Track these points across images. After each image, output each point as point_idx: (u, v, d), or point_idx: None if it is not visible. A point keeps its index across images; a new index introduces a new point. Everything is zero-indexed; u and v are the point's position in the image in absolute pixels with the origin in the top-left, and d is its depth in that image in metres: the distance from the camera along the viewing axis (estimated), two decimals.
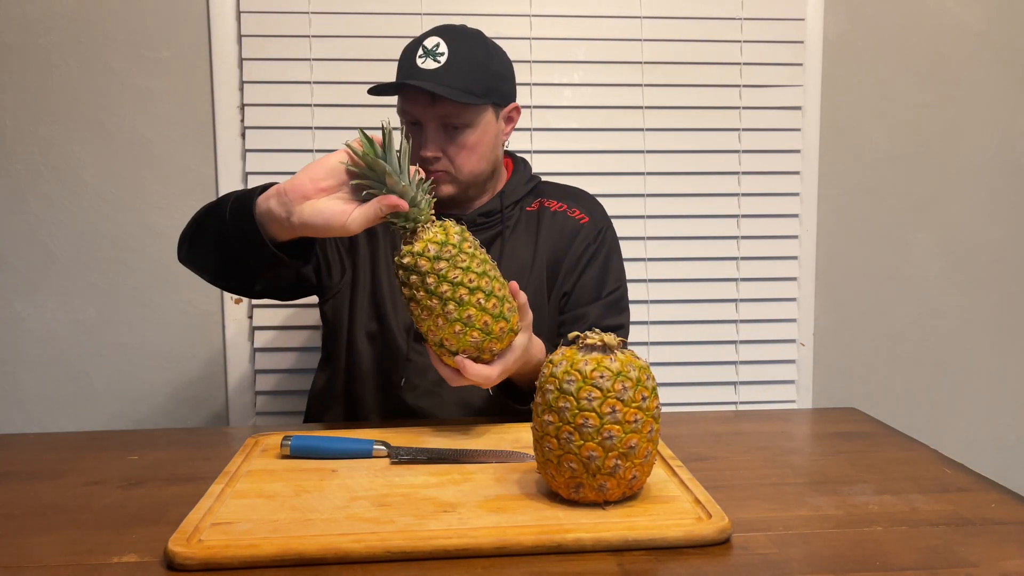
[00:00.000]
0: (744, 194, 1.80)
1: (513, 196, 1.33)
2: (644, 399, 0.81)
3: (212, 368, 1.76)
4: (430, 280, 0.97)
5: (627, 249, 1.78)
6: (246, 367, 1.76)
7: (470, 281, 0.98)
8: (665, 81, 1.76)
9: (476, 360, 1.01)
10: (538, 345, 1.12)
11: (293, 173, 1.77)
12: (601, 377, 0.80)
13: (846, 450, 1.05)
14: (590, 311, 1.29)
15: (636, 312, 1.79)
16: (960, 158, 1.87)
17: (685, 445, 1.05)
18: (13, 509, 0.87)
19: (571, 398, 0.80)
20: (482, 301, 0.98)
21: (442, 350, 1.01)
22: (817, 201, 1.84)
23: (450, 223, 1.00)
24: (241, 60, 1.69)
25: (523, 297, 1.05)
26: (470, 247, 1.00)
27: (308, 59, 1.69)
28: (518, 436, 1.06)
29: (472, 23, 1.70)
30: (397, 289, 1.27)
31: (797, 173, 1.82)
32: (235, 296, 1.73)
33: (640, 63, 1.75)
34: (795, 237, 1.83)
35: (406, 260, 0.98)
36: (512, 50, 1.71)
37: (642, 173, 1.78)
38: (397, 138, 0.98)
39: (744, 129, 1.79)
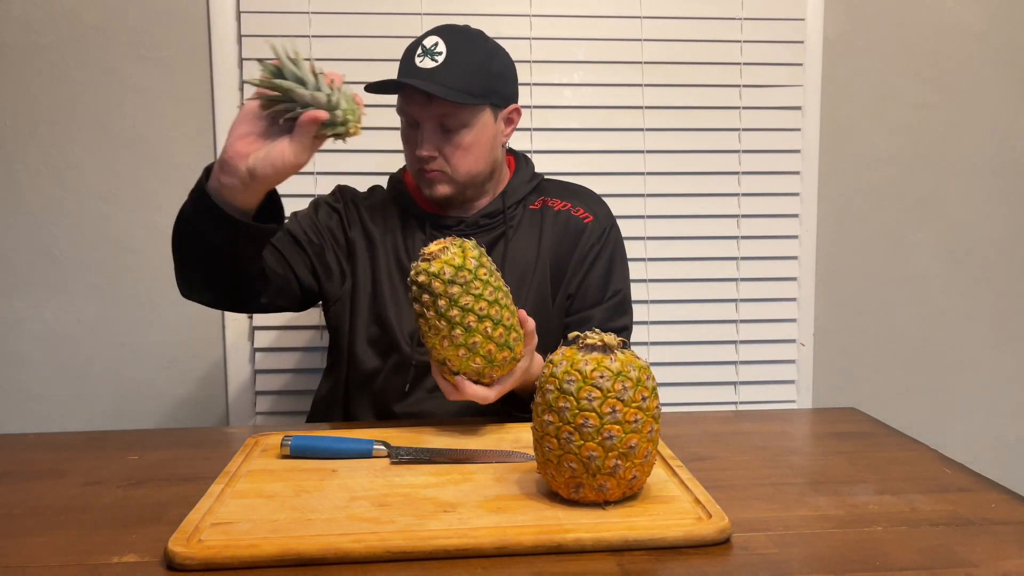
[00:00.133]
0: (744, 194, 1.80)
1: (516, 196, 1.32)
2: (644, 399, 0.81)
3: (212, 368, 1.76)
4: (441, 303, 0.98)
5: (627, 249, 1.78)
6: (246, 367, 1.76)
7: (480, 309, 0.99)
8: (665, 81, 1.76)
9: (475, 382, 1.03)
10: (538, 363, 1.12)
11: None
12: (601, 377, 0.80)
13: (846, 450, 1.05)
14: (595, 313, 1.29)
15: (636, 312, 1.78)
16: (960, 158, 1.87)
17: (685, 445, 1.05)
18: (13, 509, 0.87)
19: (571, 398, 0.80)
20: (489, 330, 1.00)
21: (443, 367, 1.03)
22: (817, 201, 1.84)
23: (469, 245, 1.01)
24: (241, 60, 1.69)
25: (531, 325, 1.06)
26: (486, 273, 1.01)
27: (308, 59, 1.69)
28: (518, 436, 1.07)
29: (472, 23, 1.70)
30: (401, 295, 1.28)
31: (797, 173, 1.82)
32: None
33: (640, 63, 1.75)
34: (795, 237, 1.83)
35: (420, 279, 0.99)
36: (512, 50, 1.71)
37: (642, 173, 1.78)
38: (292, 54, 0.94)
39: (744, 129, 1.79)
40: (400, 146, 1.29)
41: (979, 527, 0.81)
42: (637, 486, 0.83)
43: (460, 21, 1.70)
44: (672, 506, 0.83)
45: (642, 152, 1.77)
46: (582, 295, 1.30)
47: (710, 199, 1.80)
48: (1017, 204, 1.89)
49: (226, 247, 1.03)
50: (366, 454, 0.98)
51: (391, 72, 1.27)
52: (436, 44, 1.21)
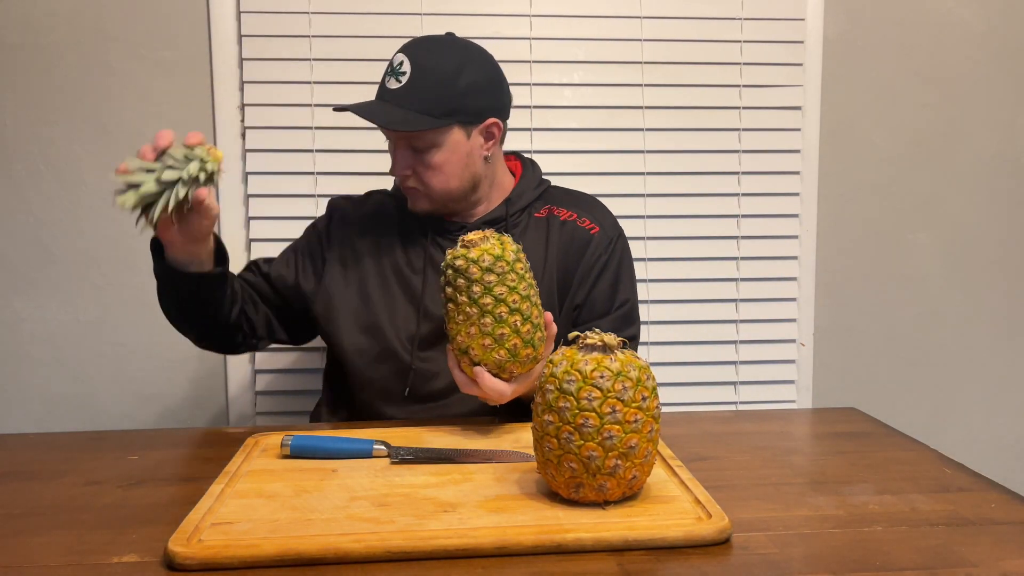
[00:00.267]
0: (744, 194, 1.80)
1: (520, 202, 1.31)
2: (644, 399, 0.81)
3: (212, 368, 1.76)
4: (476, 289, 0.99)
5: None
6: (246, 367, 1.76)
7: (513, 302, 1.00)
8: (665, 81, 1.76)
9: (494, 375, 1.03)
10: None
11: (293, 173, 1.78)
12: (601, 377, 0.80)
13: (846, 450, 1.05)
14: (602, 324, 1.28)
15: None
16: (960, 158, 1.87)
17: (685, 445, 1.05)
18: (13, 509, 0.87)
19: (571, 398, 0.80)
20: (518, 323, 1.01)
21: (464, 356, 1.03)
22: (817, 201, 1.84)
23: (508, 239, 1.02)
24: (241, 60, 1.69)
25: (554, 329, 1.07)
26: (522, 268, 1.02)
27: (308, 59, 1.69)
28: (518, 436, 1.07)
29: (472, 23, 1.71)
30: (400, 301, 1.27)
31: (797, 173, 1.82)
32: None
33: (640, 63, 1.75)
34: (795, 237, 1.83)
35: (459, 263, 0.99)
36: (512, 50, 1.73)
37: (642, 173, 1.78)
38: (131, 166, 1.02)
39: (744, 129, 1.79)
40: None
41: (979, 527, 0.81)
42: (637, 486, 0.83)
43: (460, 21, 1.71)
44: (672, 506, 0.83)
45: (642, 152, 1.77)
46: (589, 306, 1.29)
47: (710, 199, 1.80)
48: (1017, 204, 1.89)
49: (183, 294, 1.17)
50: (366, 454, 0.98)
51: None
52: (402, 63, 1.20)
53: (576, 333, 0.85)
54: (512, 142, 1.72)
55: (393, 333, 1.26)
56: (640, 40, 1.75)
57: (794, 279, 1.84)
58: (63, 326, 1.73)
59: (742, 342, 1.83)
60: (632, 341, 1.31)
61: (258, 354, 1.75)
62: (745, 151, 1.79)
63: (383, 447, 0.98)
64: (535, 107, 1.74)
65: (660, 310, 1.81)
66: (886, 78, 1.83)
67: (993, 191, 1.88)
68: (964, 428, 1.92)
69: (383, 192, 1.40)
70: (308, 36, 1.69)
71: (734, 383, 1.84)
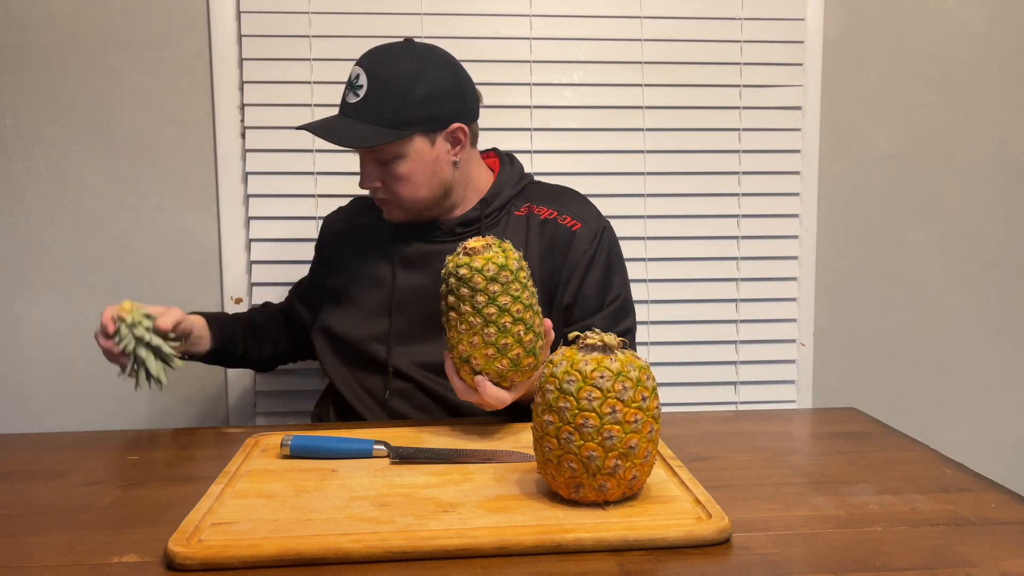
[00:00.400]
0: (744, 194, 1.80)
1: (498, 200, 1.29)
2: (644, 399, 0.81)
3: (212, 368, 1.75)
4: (480, 298, 0.98)
5: (627, 249, 1.76)
6: None
7: (517, 311, 1.00)
8: (665, 81, 1.76)
9: (495, 384, 1.03)
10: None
11: (293, 173, 1.78)
12: (601, 377, 0.80)
13: (846, 450, 1.05)
14: (596, 321, 1.27)
15: (636, 312, 1.78)
16: (960, 158, 1.87)
17: (685, 445, 1.05)
18: (13, 509, 0.87)
19: (571, 398, 0.80)
20: (521, 333, 1.00)
21: (464, 365, 1.02)
22: (817, 201, 1.84)
23: (509, 246, 1.02)
24: (241, 60, 1.69)
25: (552, 336, 1.07)
26: (525, 276, 1.02)
27: (308, 59, 1.69)
28: (518, 436, 1.07)
29: (472, 23, 1.71)
30: (377, 304, 1.28)
31: (797, 173, 1.82)
32: (235, 296, 1.73)
33: (640, 63, 1.75)
34: (795, 237, 1.83)
35: (462, 272, 0.98)
36: (512, 50, 1.73)
37: (642, 173, 1.78)
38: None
39: (744, 129, 1.79)
40: None
41: (979, 527, 0.81)
42: (637, 486, 0.83)
43: (460, 21, 1.71)
44: (672, 506, 0.83)
45: (642, 152, 1.77)
46: (581, 304, 1.27)
47: (710, 199, 1.80)
48: (1017, 204, 1.89)
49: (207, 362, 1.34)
50: (366, 454, 0.98)
51: None
52: (358, 76, 1.20)
53: (576, 333, 0.85)
54: (512, 142, 1.73)
55: (367, 335, 1.28)
56: (640, 40, 1.75)
57: (794, 279, 1.84)
58: (63, 326, 1.73)
59: (742, 342, 1.83)
60: (628, 334, 1.30)
61: None
62: (745, 151, 1.79)
63: (383, 447, 0.98)
64: (535, 107, 1.74)
65: (660, 310, 1.81)
66: (886, 78, 1.83)
67: (993, 191, 1.88)
68: (964, 428, 1.92)
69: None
70: (308, 36, 1.69)
71: (734, 383, 1.84)
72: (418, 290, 1.26)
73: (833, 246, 1.86)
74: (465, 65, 1.74)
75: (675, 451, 1.01)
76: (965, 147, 1.86)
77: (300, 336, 1.44)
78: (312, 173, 1.71)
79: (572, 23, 1.74)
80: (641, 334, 1.80)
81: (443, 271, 1.02)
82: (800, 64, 1.79)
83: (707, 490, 0.86)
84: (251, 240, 1.72)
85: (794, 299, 1.84)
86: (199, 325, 1.26)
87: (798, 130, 1.81)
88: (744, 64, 1.77)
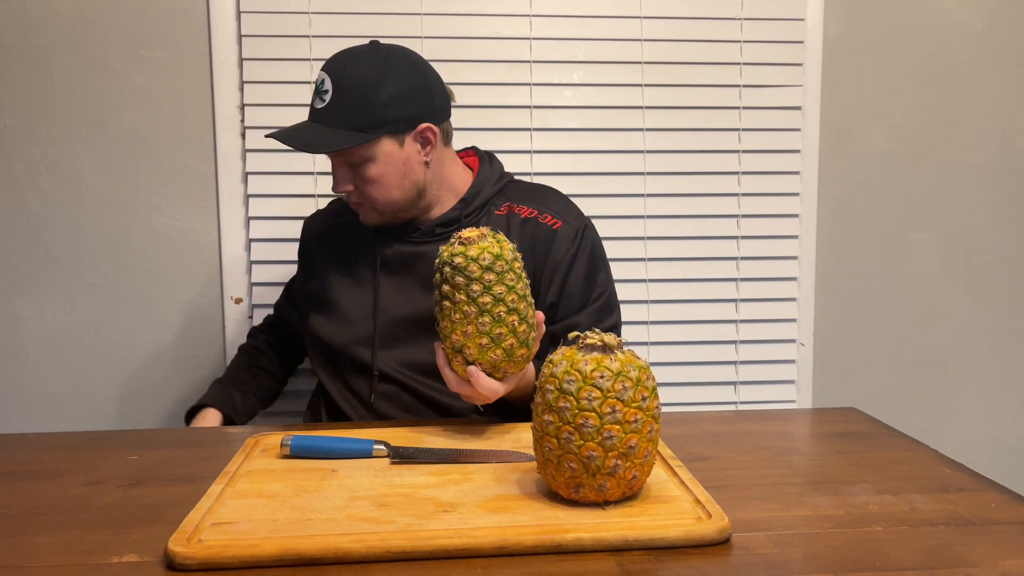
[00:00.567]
0: (744, 194, 1.80)
1: (477, 200, 1.29)
2: (644, 399, 0.81)
3: (212, 368, 1.76)
4: (475, 287, 0.98)
5: (627, 249, 1.78)
6: None
7: (512, 301, 0.99)
8: (665, 81, 1.76)
9: (487, 375, 1.02)
10: (531, 367, 1.12)
11: (292, 173, 1.78)
12: (601, 377, 0.80)
13: (846, 450, 1.05)
14: (580, 319, 1.26)
15: (636, 312, 1.79)
16: (960, 158, 1.87)
17: (685, 445, 1.05)
18: (13, 509, 0.87)
19: (571, 398, 0.80)
20: (515, 323, 1.00)
21: (457, 356, 1.02)
22: (817, 201, 1.84)
23: (502, 237, 1.01)
24: (241, 60, 1.69)
25: (543, 329, 1.07)
26: (519, 267, 1.01)
27: (308, 59, 1.69)
28: (518, 436, 1.07)
29: (472, 23, 1.71)
30: (361, 305, 1.29)
31: (797, 173, 1.82)
32: (235, 296, 1.73)
33: (640, 63, 1.75)
34: (795, 237, 1.83)
35: (457, 260, 0.98)
36: (512, 50, 1.73)
37: (642, 173, 1.78)
38: None
39: (744, 129, 1.79)
40: None
41: (979, 527, 0.81)
42: (637, 486, 0.83)
43: (460, 21, 1.71)
44: (672, 506, 0.83)
45: (642, 152, 1.77)
46: (566, 302, 1.27)
47: (710, 199, 1.80)
48: (1017, 204, 1.89)
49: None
50: (366, 454, 0.98)
51: None
52: (323, 82, 1.20)
53: (576, 333, 0.85)
54: (512, 142, 1.73)
55: (351, 337, 1.28)
56: (640, 40, 1.75)
57: (794, 279, 1.84)
58: (63, 326, 1.73)
59: (742, 342, 1.83)
60: (613, 330, 1.29)
61: None
62: (745, 151, 1.79)
63: (383, 447, 0.98)
64: (535, 107, 1.74)
65: (660, 310, 1.81)
66: (886, 78, 1.83)
67: (993, 191, 1.88)
68: (964, 428, 1.92)
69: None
70: (308, 36, 1.69)
71: (734, 383, 1.84)
72: (401, 292, 1.27)
73: (833, 246, 1.86)
74: (465, 65, 1.74)
75: (675, 451, 1.01)
76: (965, 147, 1.86)
77: (295, 343, 1.45)
78: (312, 173, 1.71)
79: (572, 23, 1.74)
80: (641, 334, 1.80)
81: (437, 260, 1.01)
82: (800, 64, 1.79)
83: (707, 490, 0.86)
84: (251, 240, 1.72)
85: (794, 299, 1.84)
86: (215, 421, 1.33)
87: (798, 130, 1.81)
88: (744, 64, 1.77)
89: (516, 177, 1.38)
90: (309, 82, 1.69)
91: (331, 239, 1.37)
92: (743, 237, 1.81)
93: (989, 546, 0.77)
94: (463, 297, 0.98)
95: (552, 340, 1.25)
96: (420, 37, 1.70)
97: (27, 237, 1.70)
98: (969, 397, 1.92)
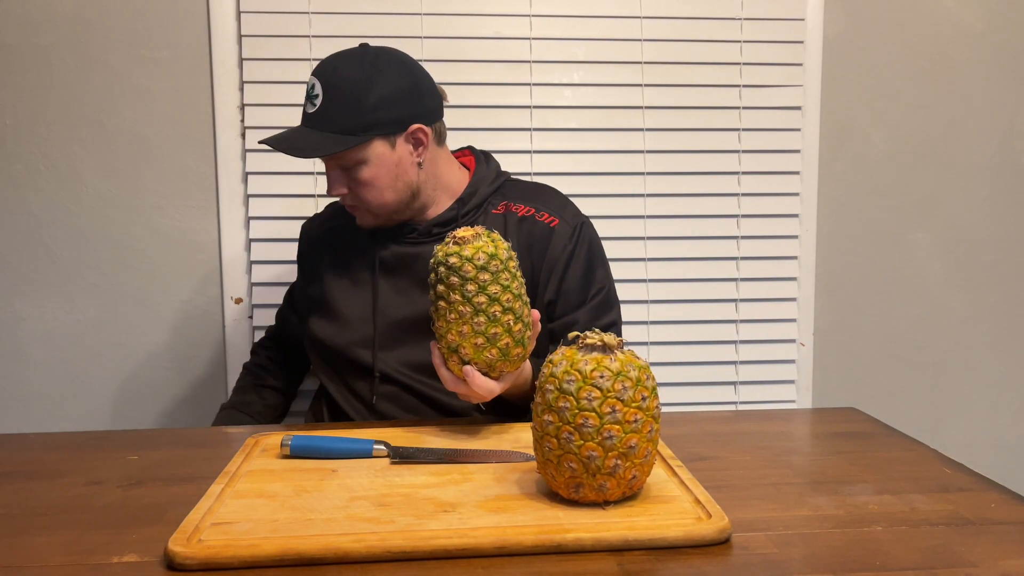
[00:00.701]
0: (744, 194, 1.80)
1: (474, 199, 1.29)
2: (644, 399, 0.81)
3: (212, 368, 1.76)
4: (470, 287, 0.98)
5: (627, 249, 1.78)
6: None
7: (507, 301, 0.99)
8: (665, 81, 1.76)
9: (483, 374, 1.02)
10: (528, 365, 1.12)
11: (292, 173, 1.78)
12: (601, 377, 0.80)
13: (846, 450, 1.05)
14: (579, 316, 1.26)
15: (636, 312, 1.79)
16: (960, 158, 1.87)
17: (685, 445, 1.05)
18: (13, 509, 0.87)
19: (571, 398, 0.80)
20: (511, 323, 1.00)
21: (453, 355, 1.02)
22: (817, 201, 1.84)
23: (497, 236, 1.02)
24: (241, 60, 1.69)
25: (539, 328, 1.06)
26: (514, 266, 1.01)
27: (308, 59, 1.69)
28: (518, 436, 1.07)
29: (472, 23, 1.71)
30: (358, 308, 1.29)
31: (797, 173, 1.82)
32: (235, 296, 1.73)
33: (640, 63, 1.75)
34: (795, 237, 1.83)
35: (452, 260, 0.98)
36: (512, 50, 1.73)
37: (642, 173, 1.78)
38: None
39: (744, 129, 1.79)
40: None
41: (979, 527, 0.81)
42: (637, 486, 0.83)
43: (460, 21, 1.71)
44: (672, 506, 0.83)
45: (642, 152, 1.77)
46: (564, 300, 1.27)
47: (710, 199, 1.80)
48: (1017, 204, 1.89)
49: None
50: (366, 454, 0.98)
51: None
52: (314, 87, 1.20)
53: (576, 333, 0.85)
54: (512, 142, 1.73)
55: (350, 339, 1.28)
56: (640, 40, 1.75)
57: (794, 279, 1.84)
58: (63, 326, 1.73)
59: (742, 342, 1.83)
60: (612, 327, 1.29)
61: None
62: (745, 151, 1.79)
63: (383, 447, 0.98)
64: (535, 107, 1.74)
65: (660, 310, 1.81)
66: (886, 78, 1.83)
67: (993, 191, 1.88)
68: (964, 428, 1.92)
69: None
70: (308, 36, 1.69)
71: (734, 383, 1.84)
72: (400, 293, 1.27)
73: (833, 246, 1.86)
74: (465, 65, 1.74)
75: (675, 451, 1.01)
76: (965, 147, 1.86)
77: (300, 352, 1.44)
78: (312, 173, 1.71)
79: (572, 23, 1.74)
80: (641, 334, 1.80)
81: (432, 260, 1.01)
82: (800, 64, 1.79)
83: (707, 490, 0.86)
84: (251, 240, 1.72)
85: (794, 299, 1.84)
86: None
87: (798, 130, 1.81)
88: (744, 64, 1.77)
89: (514, 177, 1.38)
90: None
91: (329, 242, 1.37)
92: (743, 237, 1.81)
93: (989, 546, 0.77)
94: (458, 297, 0.98)
95: (551, 337, 1.26)
96: (420, 37, 1.70)
97: (27, 237, 1.70)
98: (969, 397, 1.92)
